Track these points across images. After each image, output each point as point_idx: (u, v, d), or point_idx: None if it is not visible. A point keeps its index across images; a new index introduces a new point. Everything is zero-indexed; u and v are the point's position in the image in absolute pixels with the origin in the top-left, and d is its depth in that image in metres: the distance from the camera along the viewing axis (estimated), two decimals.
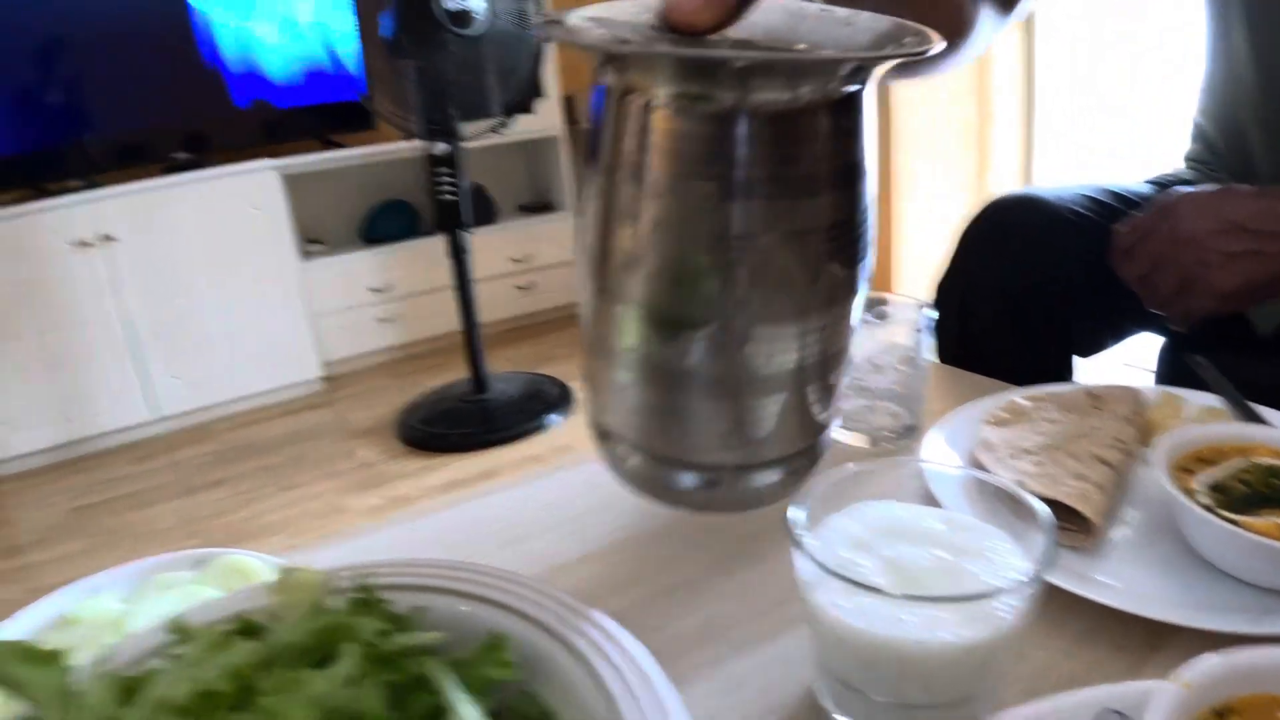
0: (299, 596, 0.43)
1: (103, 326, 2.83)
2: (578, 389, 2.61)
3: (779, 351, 0.37)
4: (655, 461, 0.41)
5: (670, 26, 0.35)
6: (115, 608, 0.64)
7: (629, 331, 0.38)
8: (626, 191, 0.36)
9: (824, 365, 0.38)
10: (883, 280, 3.12)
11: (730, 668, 0.47)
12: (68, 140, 2.96)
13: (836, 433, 0.72)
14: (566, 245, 3.49)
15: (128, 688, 0.38)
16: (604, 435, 0.43)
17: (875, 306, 0.72)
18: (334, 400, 2.96)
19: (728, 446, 0.39)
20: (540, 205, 3.65)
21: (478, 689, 0.34)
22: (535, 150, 3.63)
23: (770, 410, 0.38)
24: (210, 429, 2.89)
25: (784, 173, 0.33)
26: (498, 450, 2.30)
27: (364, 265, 3.19)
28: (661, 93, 0.33)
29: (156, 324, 2.86)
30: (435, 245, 3.07)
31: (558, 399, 2.54)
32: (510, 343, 3.11)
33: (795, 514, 0.40)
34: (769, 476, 0.41)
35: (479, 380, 2.51)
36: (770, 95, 0.32)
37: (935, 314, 0.69)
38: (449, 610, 0.41)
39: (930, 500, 0.47)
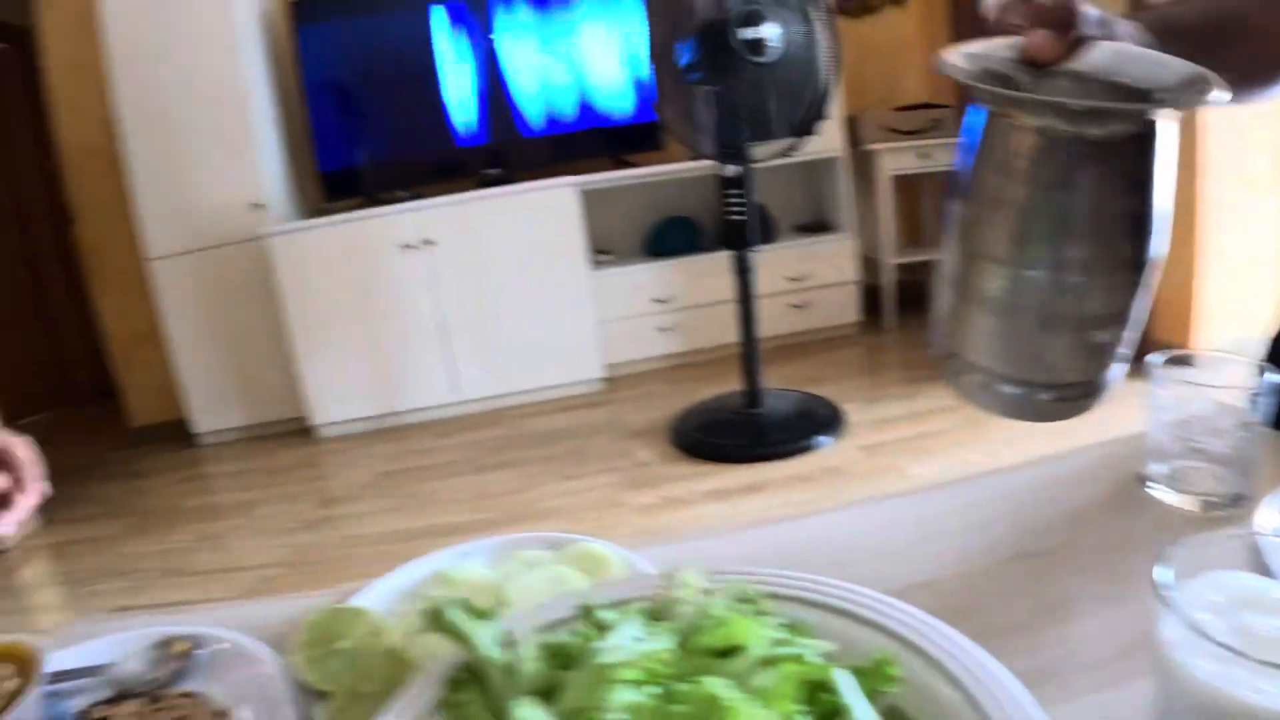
0: (686, 593, 0.49)
1: (419, 318, 3.19)
2: (849, 411, 2.59)
3: (1076, 298, 0.50)
4: (984, 375, 0.55)
5: (1026, 60, 0.51)
6: (485, 573, 0.73)
7: (981, 276, 0.53)
8: (993, 179, 0.50)
9: (1104, 319, 0.52)
10: (1183, 315, 2.83)
11: (1062, 716, 0.47)
12: (399, 157, 3.41)
13: (1164, 494, 0.70)
14: (843, 266, 3.47)
15: (555, 653, 0.45)
16: (948, 356, 0.57)
17: (1194, 362, 0.69)
18: (612, 400, 3.13)
19: (1036, 367, 0.54)
20: (818, 225, 3.65)
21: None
22: (815, 171, 3.64)
23: (1065, 342, 0.52)
24: (502, 415, 3.15)
25: (1096, 174, 0.47)
26: (766, 465, 2.33)
27: (648, 276, 3.35)
28: (1022, 118, 0.48)
29: (465, 318, 3.19)
30: (715, 261, 3.17)
31: (828, 420, 2.53)
32: (781, 360, 3.14)
33: (1163, 575, 0.41)
34: (1058, 395, 0.55)
35: (753, 394, 2.55)
36: (1090, 128, 0.46)
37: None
38: (819, 621, 0.45)
39: (1265, 573, 0.46)
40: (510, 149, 3.40)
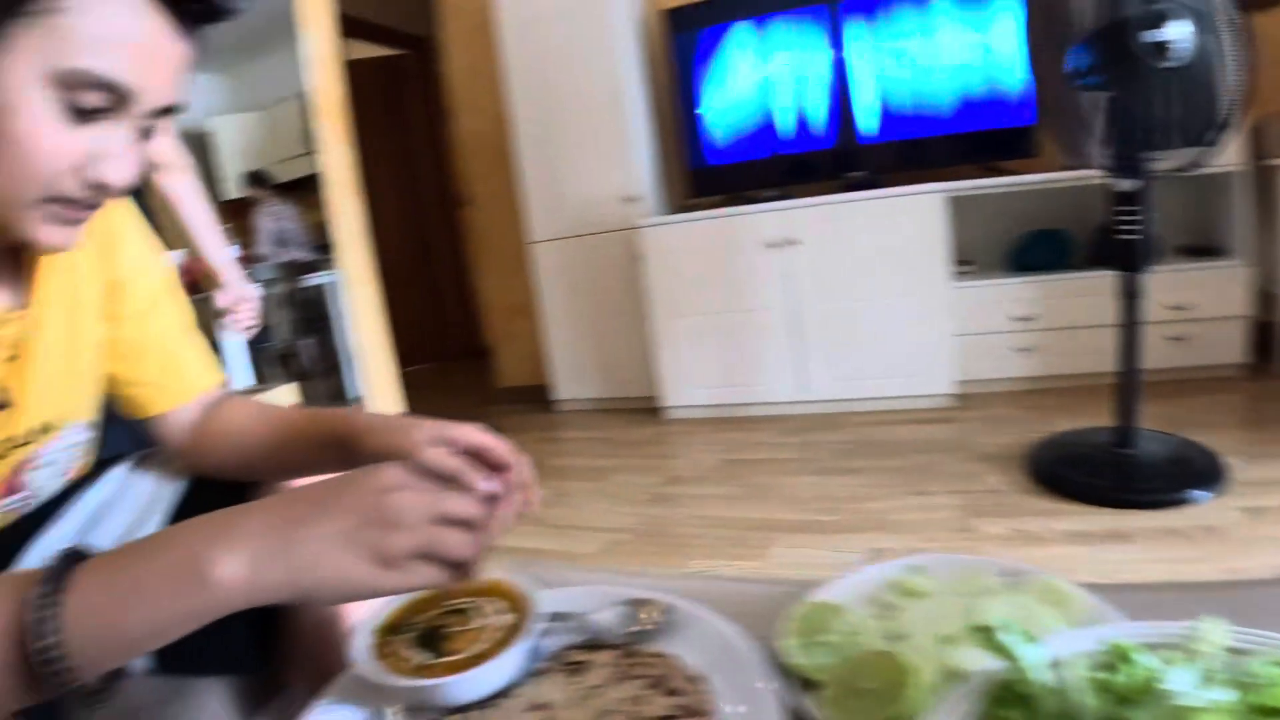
0: (1209, 648, 0.50)
1: (774, 315, 3.30)
2: (1231, 466, 2.33)
3: None
4: None
5: None
6: (952, 592, 0.76)
7: None
8: None
9: None
10: None
11: None
12: (765, 157, 3.52)
13: None
14: (1232, 297, 3.09)
15: (1103, 686, 0.48)
16: None
17: None
18: (961, 419, 3.03)
19: None
20: (1205, 249, 3.28)
21: None
22: (1205, 186, 3.25)
23: None
24: (845, 419, 3.18)
25: None
26: (1133, 513, 2.16)
27: (1010, 292, 3.19)
28: None
29: (819, 319, 3.24)
30: (1086, 280, 2.97)
31: (1206, 472, 2.28)
32: (1152, 397, 2.83)
33: None
34: None
35: (1125, 432, 2.37)
36: None
37: None
38: None
39: None
40: (876, 152, 3.40)
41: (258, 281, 3.33)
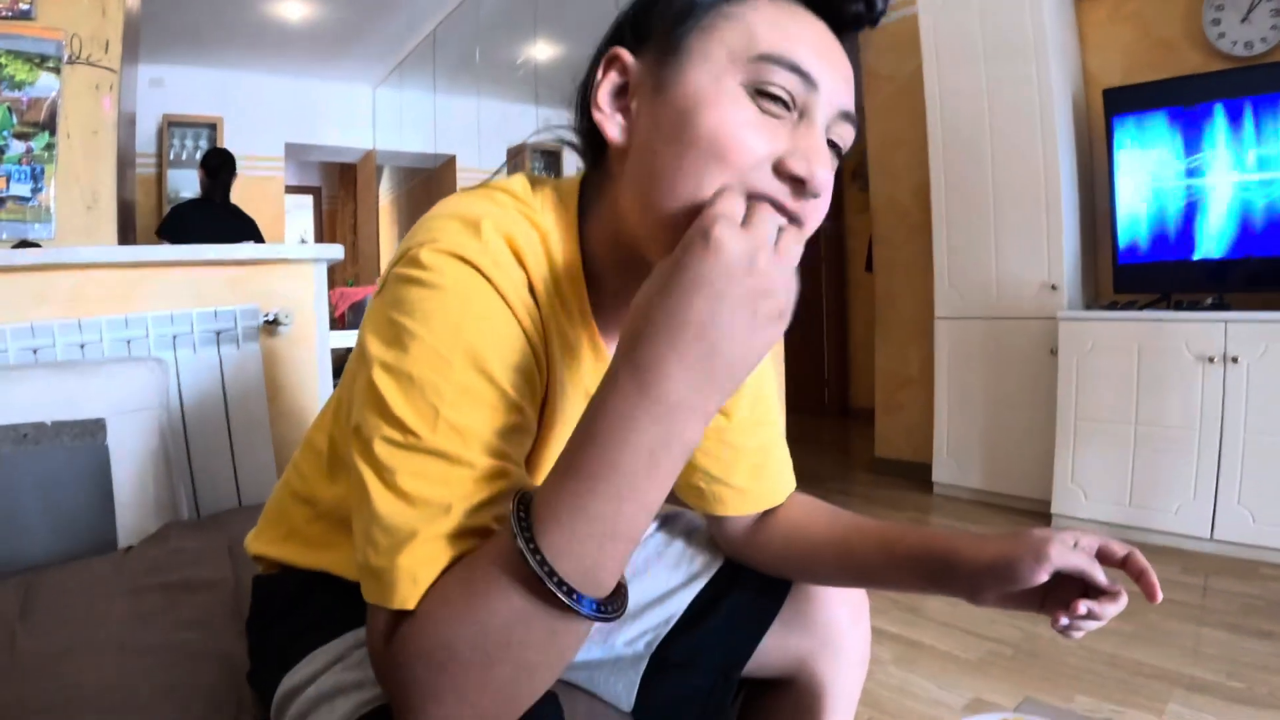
0: None
1: (1196, 436, 3.03)
2: None
3: None
4: None
5: None
6: None
7: None
8: None
9: None
10: None
11: None
12: (1206, 258, 3.22)
13: None
14: None
15: None
16: None
17: None
18: None
19: None
20: None
21: None
22: None
23: None
24: (1259, 570, 2.89)
25: None
26: None
27: None
28: None
29: (1248, 450, 2.93)
30: None
31: None
32: None
33: None
34: None
35: None
36: None
37: None
38: None
39: None
40: None
41: None
